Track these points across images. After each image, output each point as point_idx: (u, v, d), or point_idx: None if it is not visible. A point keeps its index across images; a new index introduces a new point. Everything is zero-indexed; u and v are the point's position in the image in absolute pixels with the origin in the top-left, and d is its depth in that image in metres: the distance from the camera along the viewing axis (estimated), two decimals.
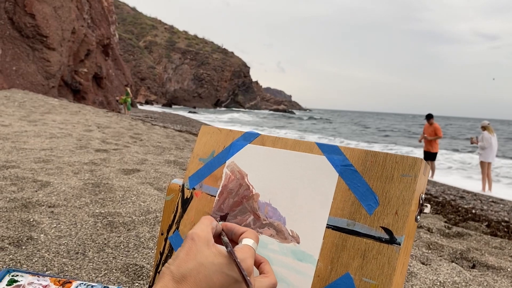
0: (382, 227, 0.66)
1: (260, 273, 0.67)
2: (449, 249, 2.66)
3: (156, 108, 62.08)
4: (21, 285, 0.89)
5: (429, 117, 9.93)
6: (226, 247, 0.62)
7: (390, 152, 0.71)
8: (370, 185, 0.69)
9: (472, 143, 9.45)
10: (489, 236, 3.49)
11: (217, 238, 0.67)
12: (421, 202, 0.69)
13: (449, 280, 1.93)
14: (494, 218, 5.29)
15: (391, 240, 0.65)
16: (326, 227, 0.70)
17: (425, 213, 0.70)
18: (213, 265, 0.58)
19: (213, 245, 0.61)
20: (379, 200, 0.68)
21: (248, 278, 0.57)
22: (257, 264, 0.69)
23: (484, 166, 9.11)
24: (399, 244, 0.64)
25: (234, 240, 0.68)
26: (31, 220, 2.01)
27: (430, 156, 9.88)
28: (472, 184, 10.20)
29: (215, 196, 0.84)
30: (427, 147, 9.97)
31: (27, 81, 14.65)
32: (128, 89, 19.23)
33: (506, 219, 5.47)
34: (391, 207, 0.67)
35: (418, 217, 0.69)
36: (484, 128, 9.22)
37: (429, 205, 0.70)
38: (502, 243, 3.16)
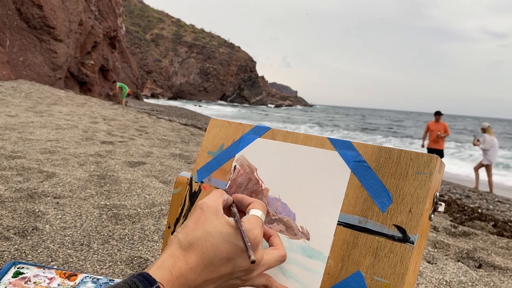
0: (395, 225, 0.65)
1: (269, 246, 0.68)
2: (455, 248, 2.64)
3: (161, 102, 62.24)
4: (26, 277, 0.88)
5: (438, 113, 9.78)
6: (234, 217, 0.62)
7: (404, 149, 0.70)
8: (384, 182, 0.68)
9: (474, 144, 9.42)
10: (495, 236, 3.47)
11: (228, 210, 0.67)
12: (435, 200, 0.67)
13: (455, 280, 1.92)
14: (500, 218, 5.25)
15: (404, 238, 0.64)
16: (337, 224, 0.69)
17: (439, 211, 0.68)
18: (221, 234, 0.58)
19: (221, 215, 0.61)
20: (392, 198, 0.66)
21: (251, 248, 0.57)
22: (267, 236, 0.69)
23: (490, 169, 9.08)
24: (413, 243, 0.63)
25: (243, 211, 0.68)
26: (37, 210, 2.01)
27: (437, 154, 9.76)
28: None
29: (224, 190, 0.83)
30: (435, 144, 9.84)
31: (34, 72, 14.69)
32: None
33: None
34: (405, 205, 0.65)
35: (432, 215, 0.67)
36: (484, 130, 9.16)
37: (443, 204, 0.68)
38: (509, 243, 3.13)
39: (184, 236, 0.59)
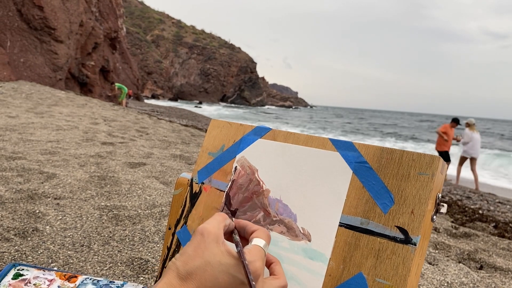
0: (397, 227, 0.64)
1: (270, 274, 0.65)
2: (456, 250, 2.63)
3: (162, 103, 62.37)
4: (26, 279, 0.88)
5: (457, 122, 9.92)
6: (236, 246, 0.59)
7: (406, 150, 0.69)
8: (386, 183, 0.67)
9: (458, 140, 9.78)
10: (496, 237, 3.46)
11: (229, 235, 0.65)
12: (437, 201, 0.66)
13: (456, 281, 1.91)
14: (501, 219, 5.24)
15: (406, 240, 0.63)
16: (339, 226, 0.68)
17: (442, 213, 0.68)
18: (220, 264, 0.56)
19: (222, 243, 0.59)
20: (394, 199, 0.66)
21: (254, 283, 0.55)
22: (268, 264, 0.66)
23: (464, 161, 9.56)
24: (415, 245, 0.62)
25: (246, 238, 0.66)
26: (37, 211, 2.01)
27: (446, 156, 9.80)
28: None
29: (224, 191, 0.82)
30: (447, 147, 9.87)
31: (35, 73, 14.69)
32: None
33: None
34: (407, 206, 0.65)
35: (435, 217, 0.67)
36: (467, 124, 9.60)
37: (445, 205, 0.68)
38: (510, 245, 3.12)
39: (182, 264, 0.56)
